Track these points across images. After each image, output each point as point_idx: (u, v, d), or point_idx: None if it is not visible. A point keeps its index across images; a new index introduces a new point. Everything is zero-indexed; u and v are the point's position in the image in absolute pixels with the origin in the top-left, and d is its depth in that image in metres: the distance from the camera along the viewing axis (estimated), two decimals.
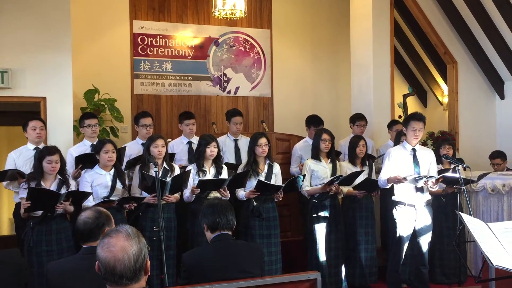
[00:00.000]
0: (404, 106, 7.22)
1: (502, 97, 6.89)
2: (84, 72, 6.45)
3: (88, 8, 6.78)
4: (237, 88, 7.67)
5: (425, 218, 4.66)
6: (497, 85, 6.86)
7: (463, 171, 4.94)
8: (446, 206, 5.14)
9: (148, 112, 5.46)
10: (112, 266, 1.79)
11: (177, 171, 4.62)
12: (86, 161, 4.51)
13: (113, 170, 4.37)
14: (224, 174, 4.63)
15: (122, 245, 1.80)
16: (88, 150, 4.76)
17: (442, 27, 6.66)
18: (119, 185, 4.35)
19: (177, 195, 4.53)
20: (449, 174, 4.75)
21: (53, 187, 4.10)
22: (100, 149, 4.31)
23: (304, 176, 4.74)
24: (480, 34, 6.45)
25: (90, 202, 4.19)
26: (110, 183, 4.31)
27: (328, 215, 4.90)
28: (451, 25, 6.64)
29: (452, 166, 4.88)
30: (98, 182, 4.30)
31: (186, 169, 4.59)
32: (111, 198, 4.24)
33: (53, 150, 4.11)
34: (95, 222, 2.69)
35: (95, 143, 4.69)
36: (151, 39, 7.20)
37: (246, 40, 7.71)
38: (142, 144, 4.88)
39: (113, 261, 1.78)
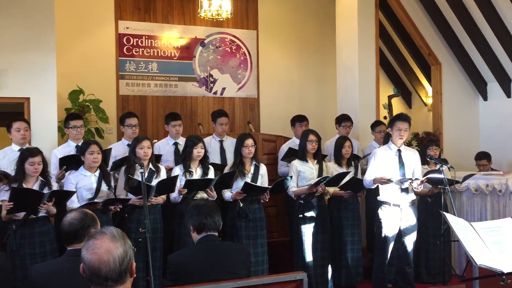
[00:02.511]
0: (389, 107, 7.27)
1: (485, 98, 6.98)
2: (69, 72, 6.38)
3: (72, 8, 6.71)
4: (224, 89, 7.66)
5: (410, 218, 4.71)
6: (480, 86, 6.95)
7: (448, 172, 5.01)
8: (432, 206, 5.18)
9: (134, 112, 5.44)
10: (97, 268, 1.77)
11: (163, 172, 4.60)
12: (70, 163, 4.46)
13: (98, 171, 4.33)
14: (211, 175, 4.63)
15: (107, 247, 1.78)
16: (73, 151, 4.71)
17: (426, 29, 6.73)
18: (104, 186, 4.32)
19: (163, 196, 4.51)
20: (434, 175, 4.81)
21: (35, 188, 4.05)
22: (85, 150, 4.28)
23: (291, 177, 4.76)
24: (463, 36, 6.53)
25: (74, 204, 4.15)
26: (95, 185, 4.28)
27: (314, 216, 4.92)
28: (435, 27, 6.72)
29: (437, 166, 4.94)
30: (83, 183, 4.26)
31: (173, 173, 4.57)
32: (96, 200, 4.20)
33: (35, 152, 4.07)
34: (81, 223, 2.66)
35: (80, 144, 4.65)
36: (137, 39, 7.16)
37: (232, 41, 7.71)
38: (128, 145, 4.85)
39: (98, 263, 1.77)
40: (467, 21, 6.29)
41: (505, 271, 2.57)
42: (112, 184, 4.45)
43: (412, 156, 4.77)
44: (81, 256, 1.82)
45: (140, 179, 3.99)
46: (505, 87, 6.57)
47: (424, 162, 5.27)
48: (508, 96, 6.58)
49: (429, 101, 8.21)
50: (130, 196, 4.37)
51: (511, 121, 6.55)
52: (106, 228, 1.87)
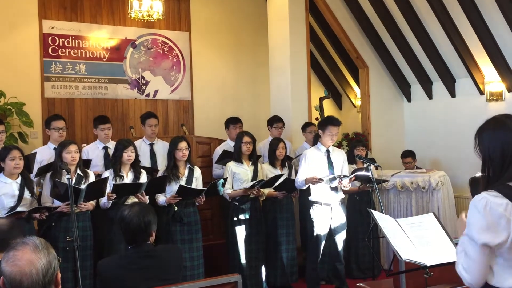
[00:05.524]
0: (321, 108, 7.45)
1: (409, 99, 7.34)
2: None
3: None
4: (156, 91, 7.53)
5: (340, 217, 4.86)
6: (405, 88, 7.30)
7: (375, 170, 5.21)
8: (361, 204, 5.38)
9: (60, 115, 5.21)
10: (18, 281, 1.68)
11: (92, 178, 4.44)
12: None
13: (20, 178, 4.11)
14: (143, 179, 4.53)
15: (29, 258, 1.70)
16: None
17: (354, 33, 6.97)
18: (27, 194, 4.10)
19: (93, 202, 4.35)
20: (362, 173, 4.99)
21: None
22: (5, 156, 4.04)
23: (225, 179, 4.75)
24: (389, 41, 6.84)
25: None
26: (17, 192, 4.05)
27: (249, 218, 4.94)
28: (363, 32, 6.98)
29: (365, 165, 5.12)
30: (3, 191, 4.02)
31: (103, 177, 4.42)
32: (18, 208, 3.97)
33: None
34: (2, 234, 2.51)
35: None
36: (63, 39, 6.86)
37: (164, 43, 7.59)
38: (55, 149, 4.64)
39: (19, 276, 1.68)
40: (392, 27, 6.60)
41: (428, 264, 2.71)
42: (36, 191, 4.24)
43: (340, 156, 4.93)
44: (0, 269, 1.72)
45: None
46: (427, 89, 6.95)
47: (352, 161, 5.46)
48: (430, 98, 6.96)
49: (358, 102, 8.50)
50: (57, 203, 4.17)
51: (432, 121, 6.93)
52: (28, 238, 1.79)
